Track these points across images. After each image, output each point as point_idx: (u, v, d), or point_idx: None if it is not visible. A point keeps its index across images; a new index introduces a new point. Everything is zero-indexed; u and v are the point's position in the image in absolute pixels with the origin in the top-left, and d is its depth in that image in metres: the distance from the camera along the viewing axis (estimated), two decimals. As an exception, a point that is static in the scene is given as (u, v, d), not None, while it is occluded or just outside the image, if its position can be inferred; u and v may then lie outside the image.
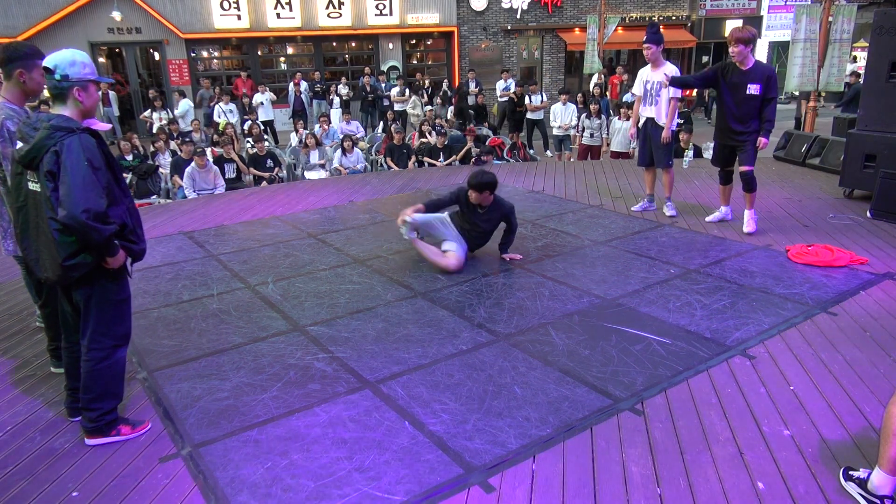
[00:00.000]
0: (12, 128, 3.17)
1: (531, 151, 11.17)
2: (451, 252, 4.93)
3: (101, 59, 16.42)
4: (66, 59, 2.66)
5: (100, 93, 2.85)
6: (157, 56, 17.33)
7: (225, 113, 12.67)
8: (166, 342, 3.85)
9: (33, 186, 2.64)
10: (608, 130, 10.31)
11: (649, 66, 6.19)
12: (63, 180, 2.51)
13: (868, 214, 6.03)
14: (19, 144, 2.64)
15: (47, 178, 2.55)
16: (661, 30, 6.43)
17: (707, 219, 6.00)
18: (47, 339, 3.53)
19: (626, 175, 8.11)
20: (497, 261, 5.11)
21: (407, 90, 14.85)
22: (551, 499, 2.48)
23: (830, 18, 9.90)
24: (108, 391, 2.87)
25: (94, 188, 2.55)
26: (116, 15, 15.29)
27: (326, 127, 11.19)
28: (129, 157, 9.26)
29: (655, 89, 6.07)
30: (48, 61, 2.65)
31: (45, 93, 3.35)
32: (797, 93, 11.04)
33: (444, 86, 15.35)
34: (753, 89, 5.25)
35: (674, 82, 5.69)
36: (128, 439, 2.92)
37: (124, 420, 2.98)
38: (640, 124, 6.35)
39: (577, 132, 10.79)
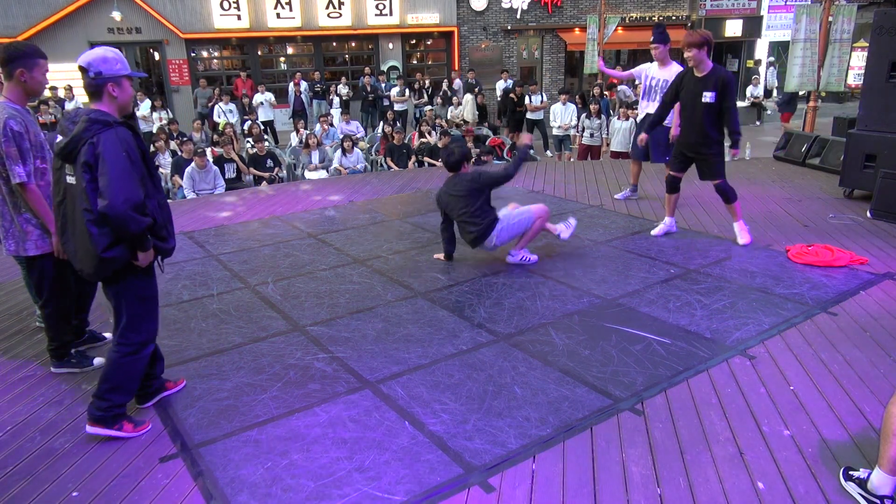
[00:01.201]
0: (16, 127, 3.17)
1: (531, 151, 11.17)
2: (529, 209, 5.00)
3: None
4: (98, 56, 2.71)
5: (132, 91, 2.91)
6: (157, 56, 17.33)
7: (225, 113, 12.67)
8: (166, 342, 3.84)
9: (71, 180, 2.69)
10: (608, 130, 10.31)
11: (656, 63, 6.29)
12: (102, 171, 2.56)
13: (868, 214, 6.03)
14: (59, 138, 2.69)
15: (84, 170, 2.60)
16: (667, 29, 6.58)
17: (652, 232, 5.64)
18: (47, 339, 3.54)
19: (626, 175, 8.10)
20: (497, 261, 5.10)
21: (407, 90, 14.84)
22: (551, 499, 2.48)
23: (830, 18, 9.89)
24: (124, 385, 2.91)
25: (132, 179, 2.61)
26: (116, 15, 15.30)
27: (327, 127, 11.19)
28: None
29: (661, 87, 6.16)
30: (81, 60, 2.70)
31: (46, 92, 3.37)
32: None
33: (444, 86, 15.35)
34: (708, 97, 4.93)
35: (654, 125, 5.62)
36: (128, 437, 2.92)
37: (129, 417, 3.00)
38: (640, 119, 6.50)
39: (577, 132, 10.79)
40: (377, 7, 17.20)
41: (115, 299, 2.85)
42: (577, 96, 11.81)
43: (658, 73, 6.26)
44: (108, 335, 3.92)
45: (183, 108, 16.08)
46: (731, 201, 5.29)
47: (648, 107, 6.36)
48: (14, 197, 3.30)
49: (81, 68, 2.70)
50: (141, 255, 2.75)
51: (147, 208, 2.69)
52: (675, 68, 6.13)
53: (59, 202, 2.80)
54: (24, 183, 3.19)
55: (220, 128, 11.65)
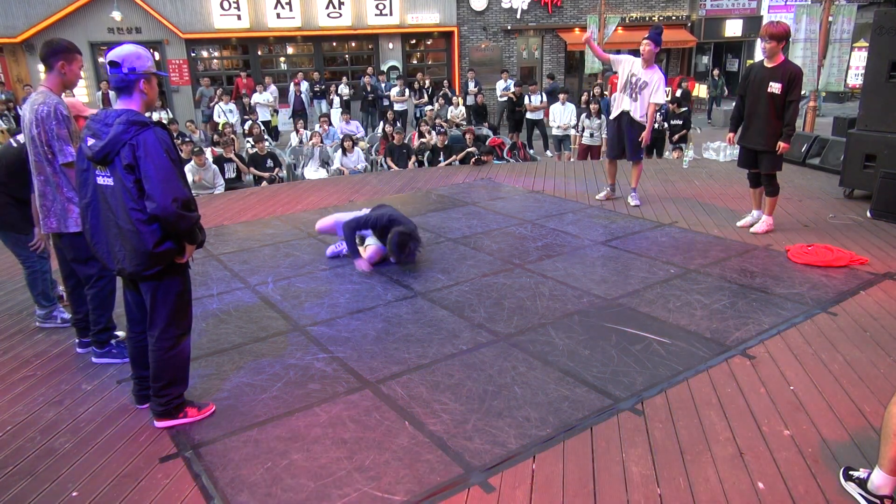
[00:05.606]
0: (65, 111, 3.33)
1: (531, 151, 11.17)
2: (371, 246, 5.06)
3: (101, 59, 16.42)
4: (130, 53, 2.72)
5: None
6: (157, 56, 17.33)
7: (225, 113, 12.67)
8: (166, 342, 3.84)
9: (103, 181, 2.67)
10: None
11: (640, 60, 6.33)
12: (146, 173, 2.57)
13: (868, 214, 6.03)
14: (90, 141, 2.66)
15: (126, 172, 2.59)
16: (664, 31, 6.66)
17: (739, 224, 5.80)
18: (90, 322, 3.60)
19: (625, 175, 8.10)
20: (498, 261, 5.10)
21: (407, 90, 14.83)
22: (551, 499, 2.48)
23: (830, 18, 9.90)
24: (176, 378, 2.96)
25: (177, 177, 2.63)
26: (116, 15, 15.30)
27: (327, 128, 11.20)
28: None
29: (640, 86, 6.26)
30: (113, 56, 2.70)
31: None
32: None
33: (444, 86, 15.34)
34: (775, 88, 5.09)
35: (735, 122, 5.58)
36: (195, 421, 3.00)
37: (190, 403, 3.07)
38: (614, 116, 6.52)
39: (577, 132, 10.79)
40: (377, 7, 17.20)
41: (152, 297, 2.84)
42: (581, 97, 11.79)
43: (640, 72, 6.28)
44: (120, 333, 3.90)
45: (183, 108, 16.08)
46: (770, 194, 5.50)
47: (626, 104, 6.38)
48: (57, 177, 3.42)
49: (113, 63, 2.68)
50: (187, 249, 2.79)
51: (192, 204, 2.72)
52: (657, 73, 6.25)
53: (86, 204, 2.76)
54: (74, 161, 3.32)
55: (220, 128, 11.65)
